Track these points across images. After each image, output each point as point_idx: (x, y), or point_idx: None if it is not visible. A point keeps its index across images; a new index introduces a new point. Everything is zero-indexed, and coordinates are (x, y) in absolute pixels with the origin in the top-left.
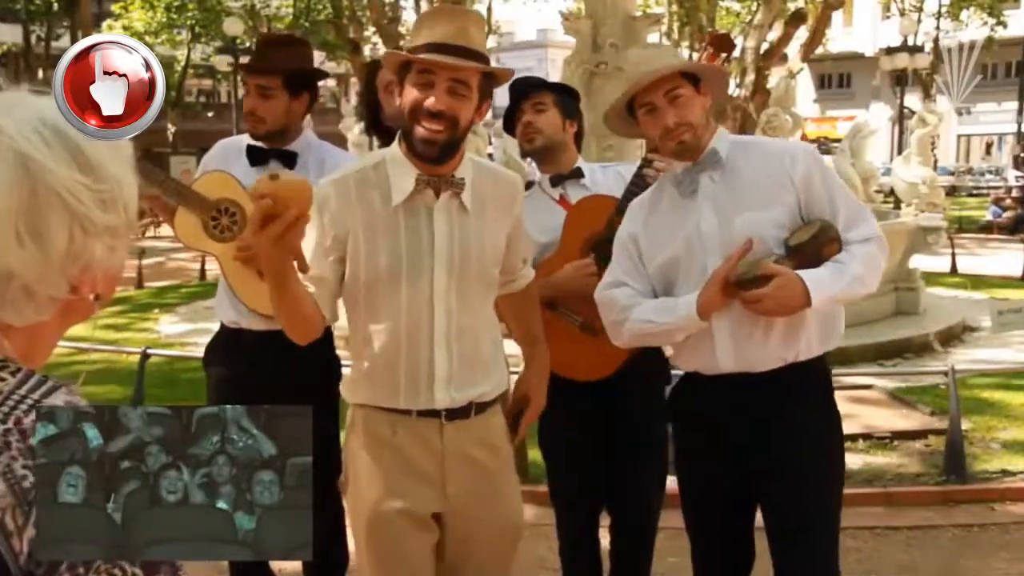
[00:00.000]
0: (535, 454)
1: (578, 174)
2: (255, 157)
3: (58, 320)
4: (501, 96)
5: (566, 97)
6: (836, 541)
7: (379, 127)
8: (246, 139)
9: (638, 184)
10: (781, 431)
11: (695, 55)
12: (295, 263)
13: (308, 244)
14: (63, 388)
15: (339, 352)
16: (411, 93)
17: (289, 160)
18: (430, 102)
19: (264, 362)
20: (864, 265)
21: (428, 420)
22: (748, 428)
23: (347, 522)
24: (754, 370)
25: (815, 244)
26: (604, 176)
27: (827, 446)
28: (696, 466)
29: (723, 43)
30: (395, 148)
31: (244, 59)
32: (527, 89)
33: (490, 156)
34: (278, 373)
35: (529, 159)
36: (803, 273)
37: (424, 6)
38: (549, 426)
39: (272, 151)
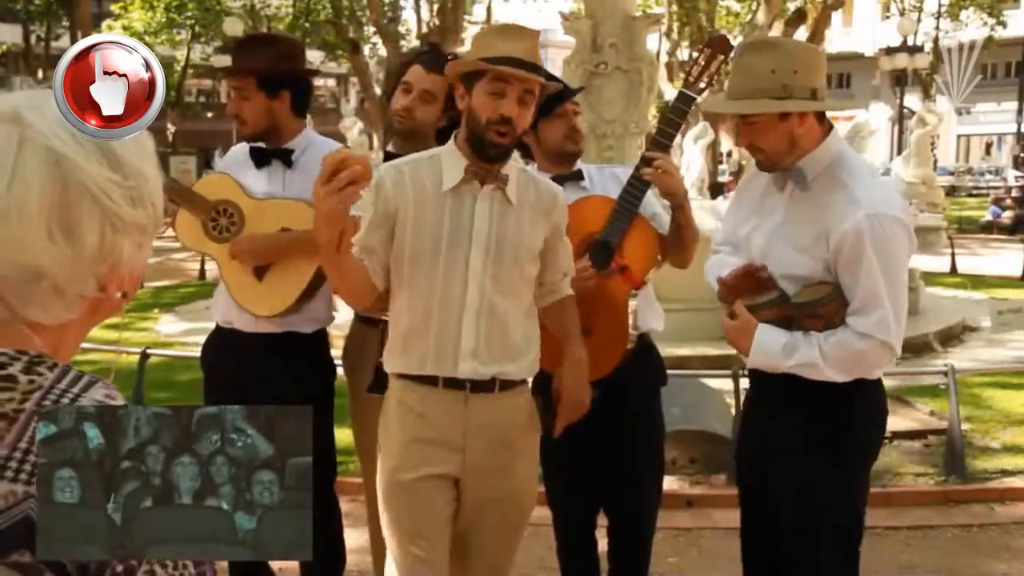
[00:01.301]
0: None
1: (578, 176)
2: (257, 158)
3: (85, 318)
4: None
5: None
6: None
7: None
8: (247, 146)
9: (636, 185)
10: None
11: (694, 54)
12: (349, 224)
13: (364, 220)
14: (100, 382)
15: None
16: (485, 100)
17: (286, 158)
18: (505, 109)
19: (258, 363)
20: (827, 356)
21: (454, 392)
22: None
23: (344, 522)
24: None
25: (797, 312)
26: (601, 177)
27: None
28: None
29: (721, 45)
30: (451, 144)
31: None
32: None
33: None
34: (272, 374)
35: (528, 160)
36: (762, 332)
37: (424, 7)
38: (546, 428)
39: (271, 151)
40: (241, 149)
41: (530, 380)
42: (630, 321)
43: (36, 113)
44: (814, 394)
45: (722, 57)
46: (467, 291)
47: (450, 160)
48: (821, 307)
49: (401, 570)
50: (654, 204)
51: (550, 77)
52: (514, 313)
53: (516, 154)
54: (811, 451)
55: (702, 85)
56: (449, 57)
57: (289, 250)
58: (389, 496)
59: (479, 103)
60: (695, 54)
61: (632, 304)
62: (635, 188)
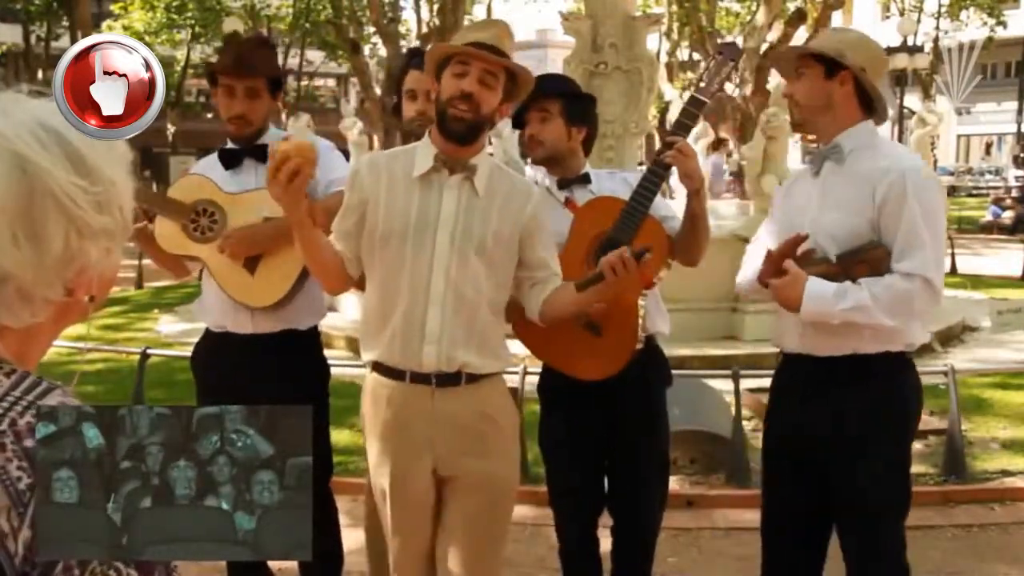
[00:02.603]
0: (536, 454)
1: (585, 179)
2: (229, 160)
3: (53, 322)
4: None
5: (574, 103)
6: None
7: (398, 115)
8: (215, 152)
9: (651, 179)
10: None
11: (695, 55)
12: (312, 217)
13: (343, 205)
14: (58, 389)
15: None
16: (448, 81)
17: (262, 156)
18: (464, 83)
19: (251, 365)
20: (877, 298)
21: (421, 387)
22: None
23: (343, 522)
24: (814, 354)
25: (852, 261)
26: (611, 182)
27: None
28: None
29: (731, 51)
30: (426, 136)
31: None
32: (535, 95)
33: (490, 156)
34: (266, 375)
35: (528, 161)
36: (814, 283)
37: (424, 7)
38: (550, 427)
39: (243, 151)
40: (206, 161)
41: (503, 376)
42: (640, 322)
43: (2, 117)
44: (864, 371)
45: (732, 63)
46: (432, 274)
47: (424, 150)
48: (865, 253)
49: (393, 561)
50: (668, 207)
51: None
52: (480, 304)
53: (489, 149)
54: (865, 427)
55: (712, 91)
56: None
57: (278, 237)
58: (373, 489)
59: (444, 85)
60: (707, 60)
61: (642, 304)
62: (650, 182)
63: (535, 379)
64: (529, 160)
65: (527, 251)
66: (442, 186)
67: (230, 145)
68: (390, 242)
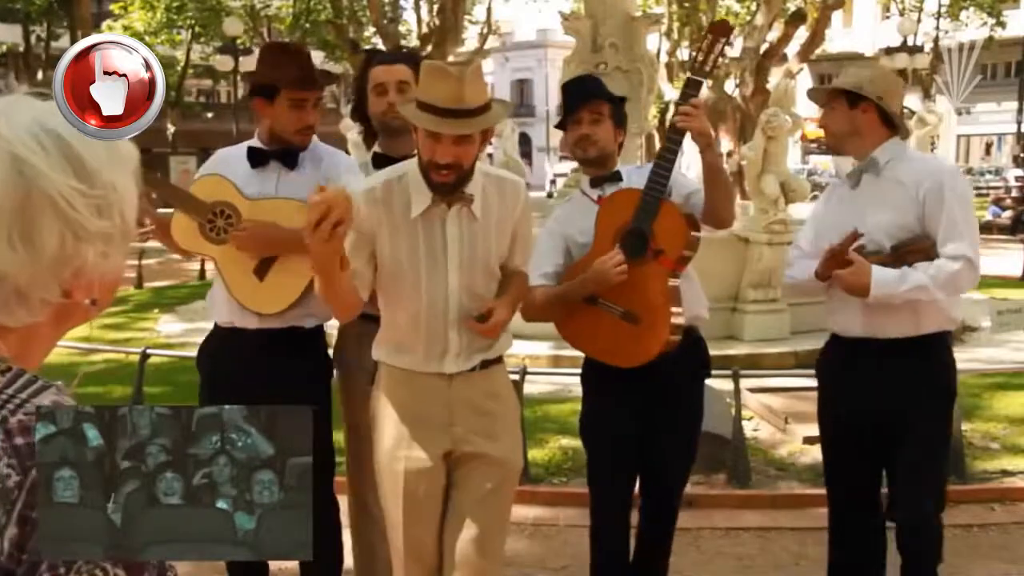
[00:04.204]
0: (535, 454)
1: (616, 177)
2: (256, 159)
3: (53, 323)
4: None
5: (619, 107)
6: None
7: (363, 117)
8: (243, 146)
9: (669, 149)
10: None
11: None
12: (340, 260)
13: (347, 244)
14: (52, 388)
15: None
16: (424, 141)
17: (292, 160)
18: (439, 156)
19: (257, 361)
20: (934, 277)
21: (438, 375)
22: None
23: (343, 522)
24: (877, 336)
25: (907, 251)
26: (641, 176)
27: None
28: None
29: (721, 29)
30: (415, 167)
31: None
32: (588, 96)
33: (489, 156)
34: (271, 371)
35: (526, 161)
36: (877, 269)
37: (424, 7)
38: (597, 414)
39: (272, 152)
40: (231, 153)
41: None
42: (670, 309)
43: (3, 119)
44: (925, 348)
45: (724, 40)
46: (448, 305)
47: (416, 186)
48: (919, 243)
49: (395, 552)
50: (690, 182)
51: (484, 108)
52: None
53: (489, 149)
54: (921, 393)
55: (708, 69)
56: (403, 51)
57: (291, 245)
58: (383, 480)
59: (421, 143)
60: (699, 41)
61: (675, 282)
62: (662, 168)
63: (535, 379)
64: (527, 161)
65: (514, 252)
66: (444, 219)
67: (259, 144)
68: (402, 282)
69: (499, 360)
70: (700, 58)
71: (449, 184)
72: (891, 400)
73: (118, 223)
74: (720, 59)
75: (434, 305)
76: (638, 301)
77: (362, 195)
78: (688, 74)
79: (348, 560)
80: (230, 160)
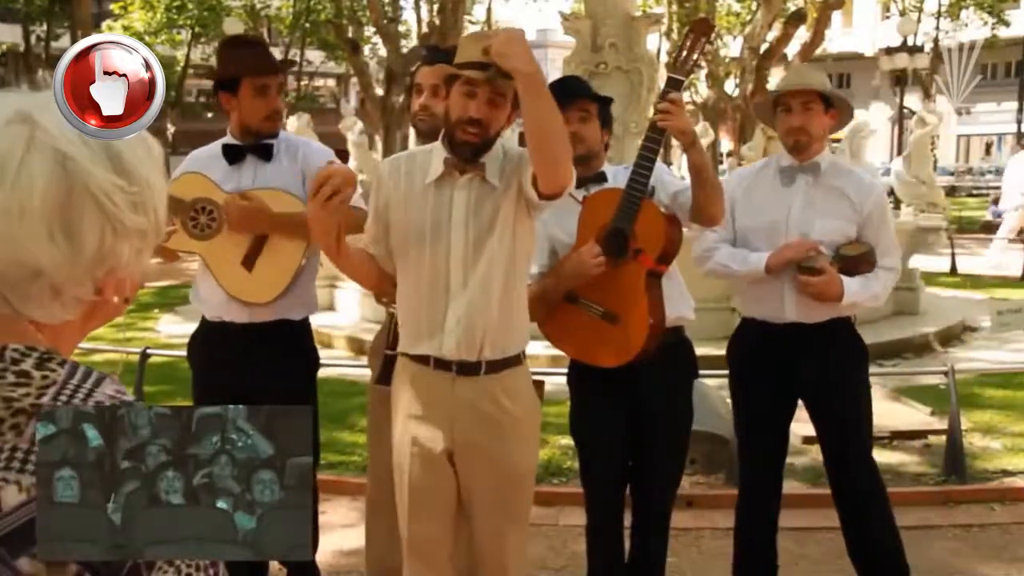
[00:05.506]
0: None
1: (601, 178)
2: (233, 155)
3: (82, 321)
4: None
5: (606, 107)
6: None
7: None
8: (217, 145)
9: (649, 148)
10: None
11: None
12: (341, 229)
13: (371, 211)
14: (108, 378)
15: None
16: (457, 99)
17: (266, 154)
18: (473, 110)
19: (245, 353)
20: (882, 288)
21: (442, 373)
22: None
23: (343, 522)
24: (806, 321)
25: (857, 261)
26: (625, 177)
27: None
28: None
29: (702, 27)
30: (440, 139)
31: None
32: (574, 95)
33: None
34: (258, 364)
35: None
36: (844, 279)
37: (424, 7)
38: (582, 414)
39: (247, 147)
40: (205, 152)
41: (523, 359)
42: (654, 304)
43: (47, 114)
44: (844, 330)
45: (704, 39)
46: (450, 276)
47: (437, 154)
48: (869, 256)
49: (406, 547)
50: (677, 181)
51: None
52: (495, 291)
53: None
54: (854, 367)
55: (688, 67)
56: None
57: (281, 225)
58: (393, 473)
59: (453, 103)
60: (681, 40)
61: (657, 282)
62: (642, 167)
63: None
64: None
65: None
66: (453, 188)
67: (233, 141)
68: (409, 251)
69: (514, 363)
70: (681, 56)
71: (473, 144)
72: (814, 372)
73: (152, 220)
74: (701, 57)
75: (436, 272)
76: (618, 301)
77: (386, 164)
78: (668, 71)
79: (348, 561)
80: (205, 159)
